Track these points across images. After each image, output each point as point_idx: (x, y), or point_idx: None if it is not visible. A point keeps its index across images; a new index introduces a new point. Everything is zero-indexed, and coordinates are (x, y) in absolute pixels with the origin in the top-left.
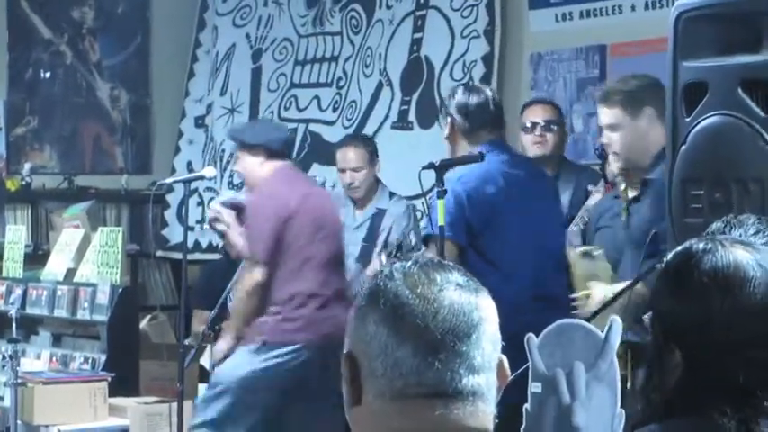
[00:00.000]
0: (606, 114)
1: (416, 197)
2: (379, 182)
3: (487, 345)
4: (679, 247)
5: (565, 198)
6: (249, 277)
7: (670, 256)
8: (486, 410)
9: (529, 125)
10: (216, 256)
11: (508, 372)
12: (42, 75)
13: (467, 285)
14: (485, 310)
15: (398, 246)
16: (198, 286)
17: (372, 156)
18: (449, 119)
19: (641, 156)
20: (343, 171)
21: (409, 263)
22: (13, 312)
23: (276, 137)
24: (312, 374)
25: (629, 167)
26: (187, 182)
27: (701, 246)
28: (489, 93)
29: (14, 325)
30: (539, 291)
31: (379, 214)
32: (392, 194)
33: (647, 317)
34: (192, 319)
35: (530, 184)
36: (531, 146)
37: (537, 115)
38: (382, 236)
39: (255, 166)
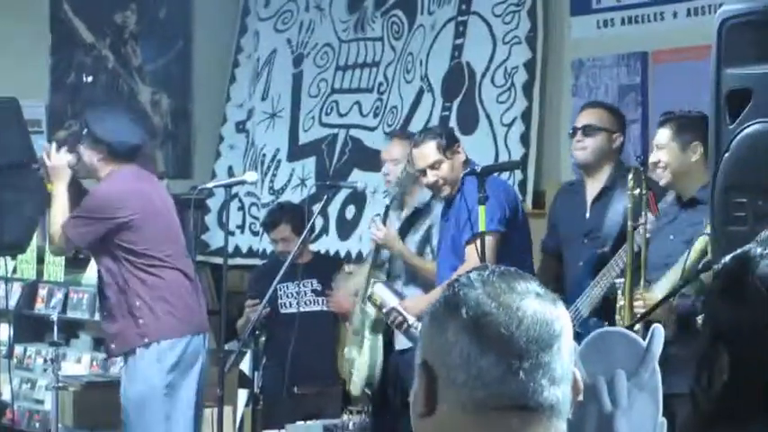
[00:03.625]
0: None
1: None
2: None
3: (566, 356)
4: (738, 251)
5: (620, 206)
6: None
7: (728, 258)
8: (559, 428)
9: (570, 130)
10: (255, 261)
11: (581, 384)
12: (84, 78)
13: (545, 295)
14: (564, 321)
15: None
16: (249, 286)
17: None
18: None
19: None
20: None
21: (487, 272)
22: (54, 316)
23: None
24: None
25: None
26: (229, 186)
27: (758, 251)
28: None
29: (56, 328)
30: None
31: (417, 213)
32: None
33: (699, 318)
34: (245, 309)
35: None
36: (573, 151)
37: (579, 119)
38: (418, 234)
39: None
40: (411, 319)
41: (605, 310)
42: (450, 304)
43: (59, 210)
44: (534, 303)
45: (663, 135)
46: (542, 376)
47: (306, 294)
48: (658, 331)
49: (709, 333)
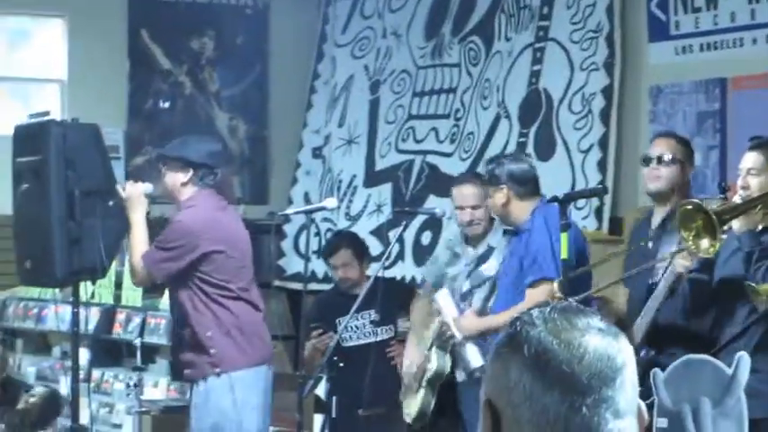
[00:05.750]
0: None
1: None
2: (493, 219)
3: (629, 389)
4: None
5: (676, 235)
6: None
7: None
8: None
9: (644, 159)
10: (331, 286)
11: (646, 416)
12: (161, 105)
13: (607, 330)
14: (626, 354)
15: None
16: (311, 316)
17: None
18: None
19: None
20: (461, 209)
21: (548, 309)
22: (137, 341)
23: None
24: None
25: None
26: (309, 212)
27: None
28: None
29: (139, 353)
30: None
31: (487, 253)
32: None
33: None
34: (306, 344)
35: None
36: (647, 180)
37: (653, 149)
38: (485, 274)
39: None
40: (458, 336)
41: (655, 339)
42: (512, 342)
43: (138, 241)
44: (595, 339)
45: (757, 160)
46: (606, 410)
47: (365, 327)
48: (744, 359)
49: None
